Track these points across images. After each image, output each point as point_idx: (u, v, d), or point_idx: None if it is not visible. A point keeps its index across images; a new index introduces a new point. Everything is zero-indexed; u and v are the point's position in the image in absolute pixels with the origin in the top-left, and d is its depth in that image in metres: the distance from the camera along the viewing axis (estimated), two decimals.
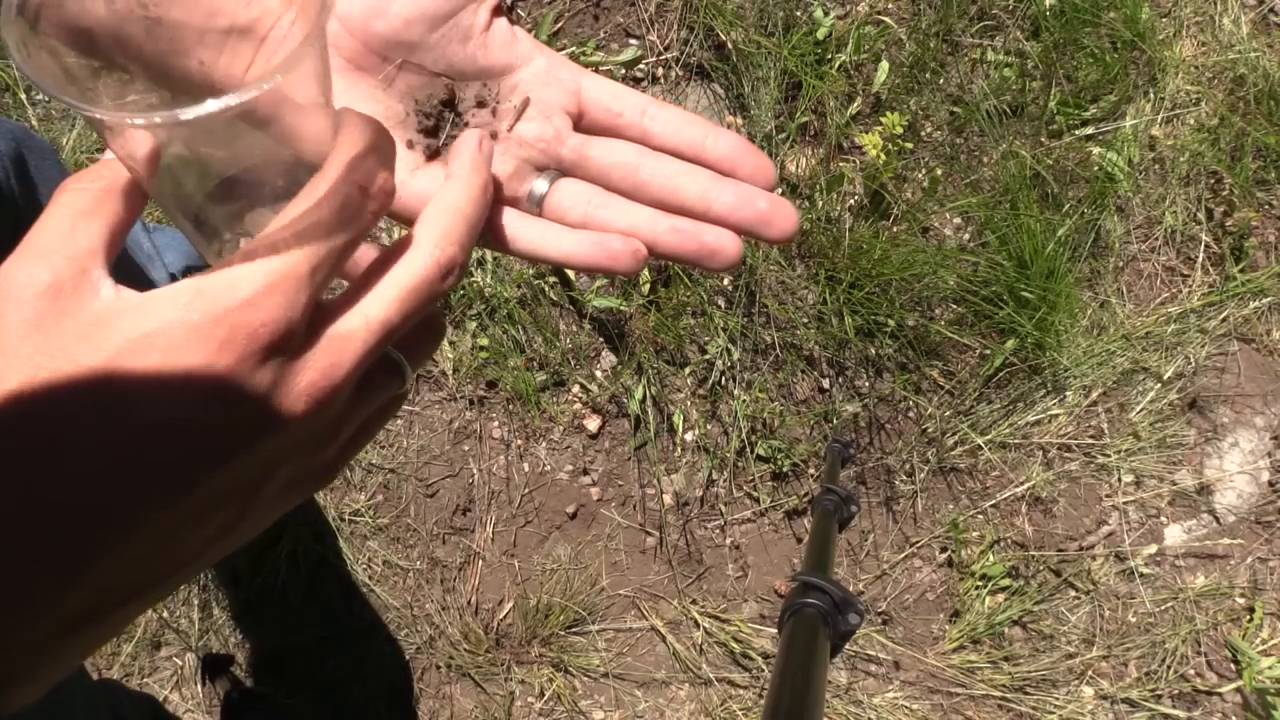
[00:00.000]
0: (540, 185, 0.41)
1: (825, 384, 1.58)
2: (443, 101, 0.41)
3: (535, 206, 0.41)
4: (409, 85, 0.41)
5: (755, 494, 1.57)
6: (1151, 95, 1.67)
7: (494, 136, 0.41)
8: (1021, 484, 1.61)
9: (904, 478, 1.60)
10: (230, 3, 0.35)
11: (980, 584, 1.58)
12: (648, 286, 1.51)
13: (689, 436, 1.56)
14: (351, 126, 0.32)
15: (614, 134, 0.42)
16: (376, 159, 0.32)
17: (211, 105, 0.28)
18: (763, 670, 1.53)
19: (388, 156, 0.32)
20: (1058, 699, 1.56)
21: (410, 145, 0.41)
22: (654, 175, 0.40)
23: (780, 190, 1.55)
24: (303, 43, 0.30)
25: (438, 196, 0.36)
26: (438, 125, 0.41)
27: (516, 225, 0.40)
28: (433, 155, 0.41)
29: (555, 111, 0.42)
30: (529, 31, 1.50)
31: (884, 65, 1.56)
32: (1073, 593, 1.61)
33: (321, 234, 0.30)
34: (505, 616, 1.51)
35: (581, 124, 0.42)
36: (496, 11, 0.41)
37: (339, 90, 0.39)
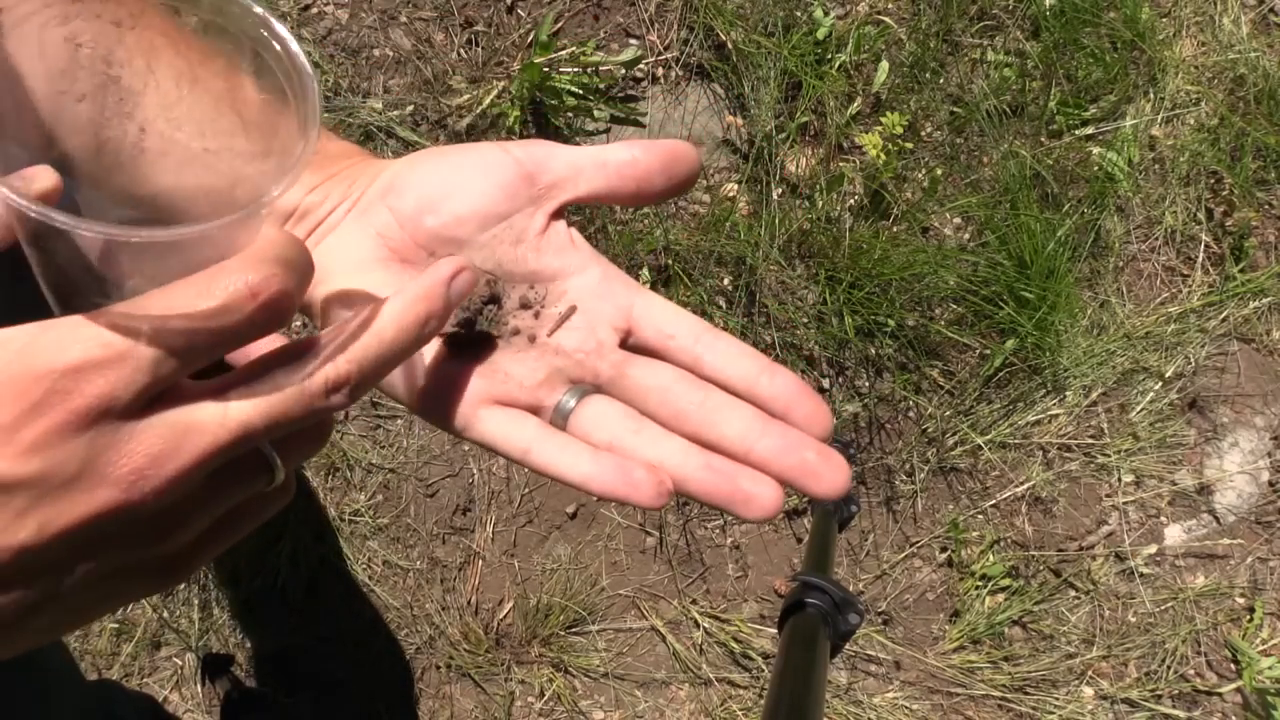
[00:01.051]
0: (569, 400, 0.39)
1: (825, 384, 1.58)
2: (483, 299, 0.39)
3: (561, 420, 0.39)
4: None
5: None
6: (1151, 95, 1.67)
7: (532, 340, 0.39)
8: (1021, 484, 1.61)
9: (904, 478, 1.60)
10: (236, 163, 0.34)
11: (980, 584, 1.58)
12: (648, 286, 1.51)
13: None
14: (271, 235, 0.30)
15: (664, 355, 0.40)
16: (282, 269, 0.29)
17: (145, 234, 0.26)
18: (763, 670, 1.53)
19: (297, 273, 0.30)
20: (1058, 699, 1.56)
21: (445, 339, 0.39)
22: (694, 405, 0.38)
23: (780, 192, 1.55)
24: (264, 199, 0.29)
25: (371, 308, 0.33)
26: (473, 320, 0.39)
27: (535, 437, 0.37)
28: (459, 347, 0.39)
29: (602, 324, 0.39)
30: (528, 45, 1.50)
31: (884, 65, 1.56)
32: (1073, 593, 1.61)
33: (188, 321, 0.27)
34: (505, 616, 1.51)
35: (629, 342, 0.40)
36: (556, 216, 0.40)
37: (380, 284, 0.38)
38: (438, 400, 0.38)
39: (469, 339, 0.39)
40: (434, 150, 0.40)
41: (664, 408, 0.38)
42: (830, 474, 0.36)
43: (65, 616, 0.29)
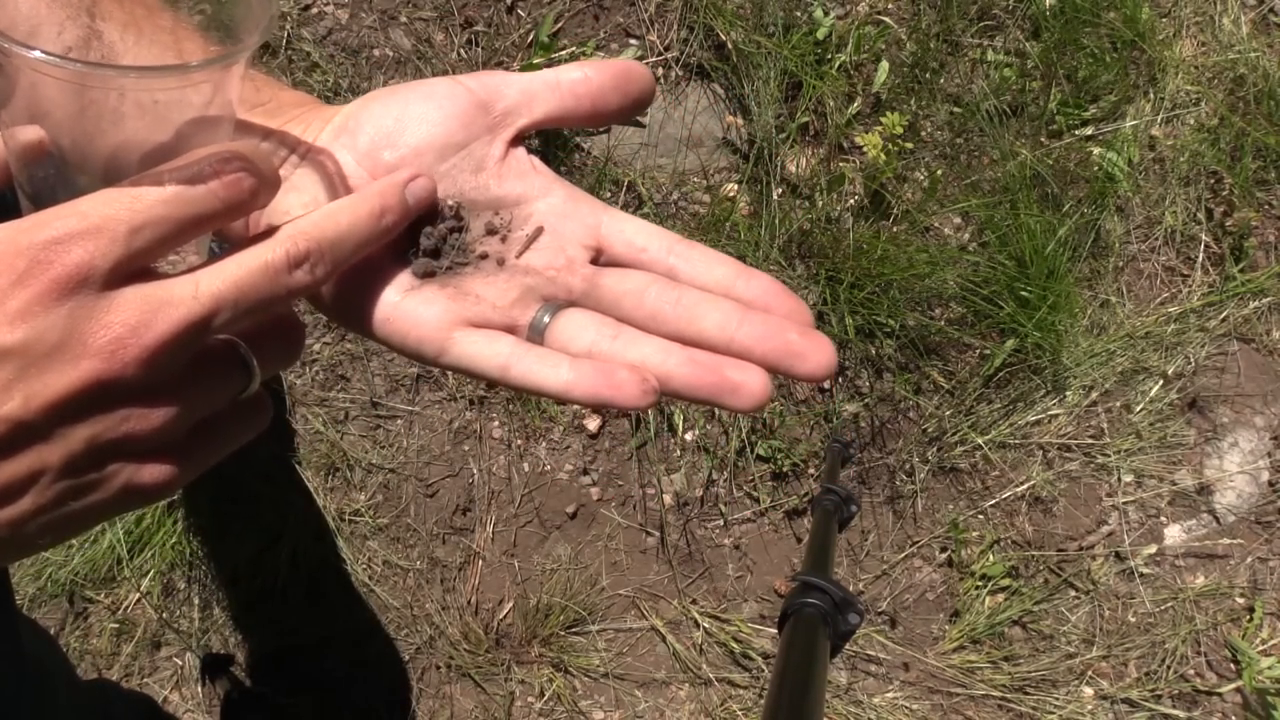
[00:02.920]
0: (543, 316, 0.38)
1: (825, 384, 1.58)
2: (449, 228, 0.39)
3: (537, 336, 0.38)
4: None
5: (755, 494, 1.57)
6: (1151, 95, 1.67)
7: (501, 263, 0.39)
8: (1021, 484, 1.61)
9: (904, 478, 1.60)
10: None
11: (980, 584, 1.58)
12: None
13: (689, 436, 1.56)
14: (238, 142, 0.32)
15: (637, 268, 0.39)
16: (247, 159, 0.31)
17: (123, 71, 0.28)
18: (763, 670, 1.53)
19: (262, 167, 0.32)
20: (1058, 699, 1.56)
21: (411, 268, 0.39)
22: (670, 304, 0.37)
23: (780, 192, 1.55)
24: (243, 45, 0.31)
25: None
26: (438, 248, 0.39)
27: (512, 353, 0.37)
28: (427, 275, 0.39)
29: (570, 243, 0.39)
30: (529, 45, 1.50)
31: (884, 65, 1.56)
32: (1073, 593, 1.61)
33: (160, 197, 0.29)
34: (505, 616, 1.51)
35: (600, 260, 0.40)
36: (515, 142, 0.40)
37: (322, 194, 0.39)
38: (410, 329, 0.38)
39: (435, 266, 0.39)
40: (385, 89, 0.40)
41: (639, 310, 0.38)
42: (816, 353, 0.35)
43: (58, 507, 0.29)
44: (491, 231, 0.40)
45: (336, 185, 0.39)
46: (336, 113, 0.40)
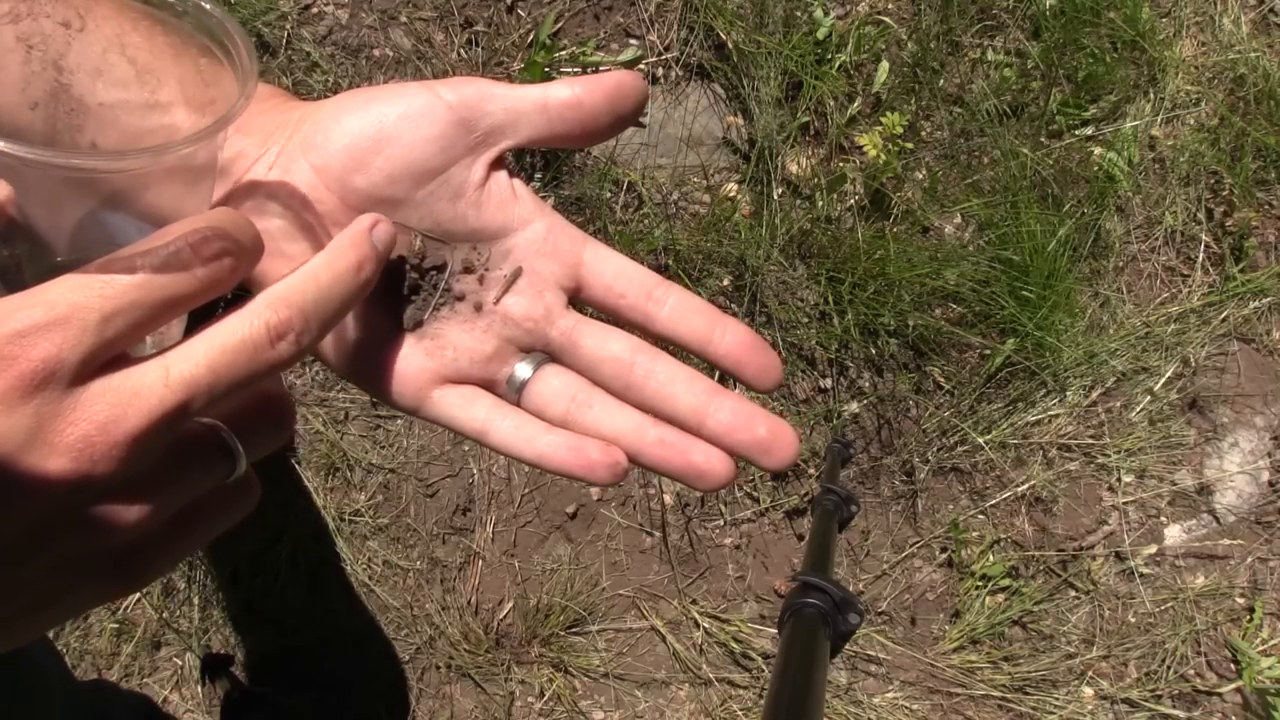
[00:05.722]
0: (523, 370, 0.38)
1: (825, 384, 1.58)
2: (425, 264, 0.38)
3: (514, 393, 0.38)
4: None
5: (755, 494, 1.57)
6: (1151, 95, 1.67)
7: (478, 308, 0.38)
8: (1021, 484, 1.61)
9: (904, 478, 1.60)
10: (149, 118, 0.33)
11: (980, 584, 1.58)
12: None
13: None
14: (217, 209, 0.30)
15: (614, 314, 0.39)
16: (226, 234, 0.29)
17: (87, 157, 0.26)
18: (763, 670, 1.53)
19: (242, 239, 0.30)
20: (1058, 699, 1.56)
21: (404, 320, 0.38)
22: (648, 378, 0.38)
23: (781, 192, 1.55)
24: (214, 124, 0.29)
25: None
26: (417, 289, 0.38)
27: (488, 418, 0.37)
28: (414, 326, 0.38)
29: (549, 286, 0.39)
30: (529, 45, 1.50)
31: (884, 65, 1.56)
32: (1073, 593, 1.61)
33: (133, 281, 0.27)
34: (505, 616, 1.51)
35: (580, 298, 0.39)
36: (495, 165, 0.38)
37: (305, 250, 0.37)
38: (387, 381, 0.37)
39: (421, 315, 0.38)
40: (358, 95, 0.37)
41: (616, 380, 0.38)
42: (781, 448, 0.37)
43: (25, 615, 0.28)
44: (469, 270, 0.38)
45: (316, 232, 0.36)
46: (303, 120, 0.37)
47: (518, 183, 0.39)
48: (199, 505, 0.31)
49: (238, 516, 0.33)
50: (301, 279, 0.31)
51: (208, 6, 0.32)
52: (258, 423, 0.32)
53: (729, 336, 0.38)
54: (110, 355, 0.27)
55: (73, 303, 0.26)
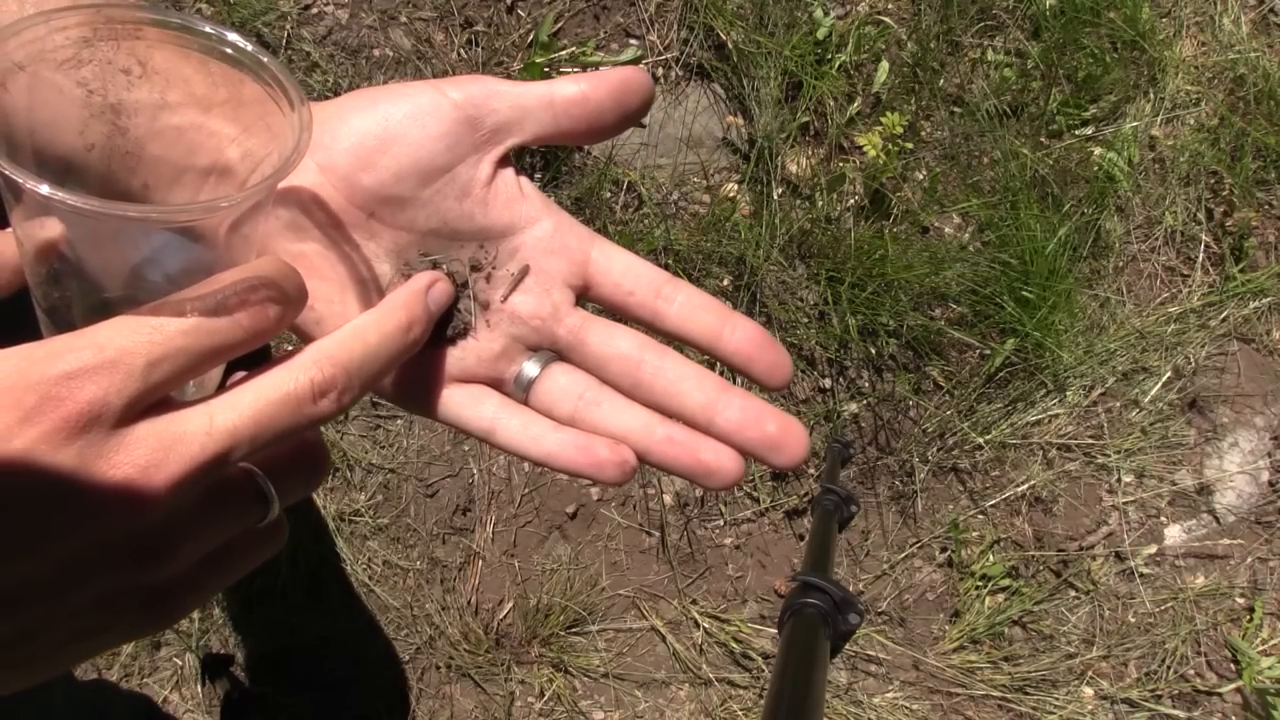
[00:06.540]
0: (530, 369, 0.38)
1: (826, 384, 1.58)
2: (434, 264, 0.38)
3: (521, 392, 0.38)
4: (396, 244, 0.37)
5: (755, 494, 1.57)
6: (1151, 95, 1.67)
7: (486, 307, 0.38)
8: (1021, 484, 1.61)
9: (904, 478, 1.60)
10: (211, 141, 0.34)
11: (980, 584, 1.58)
12: None
13: None
14: (264, 258, 0.30)
15: (623, 312, 0.39)
16: (274, 283, 0.29)
17: (143, 211, 0.27)
18: (763, 670, 1.53)
19: (288, 289, 0.30)
20: (1058, 699, 1.56)
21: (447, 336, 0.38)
22: (656, 376, 0.37)
23: (781, 192, 1.55)
24: (267, 179, 0.29)
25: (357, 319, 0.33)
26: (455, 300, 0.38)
27: (496, 416, 0.37)
28: (459, 335, 0.38)
29: (556, 283, 0.38)
30: (529, 45, 1.50)
31: (884, 65, 1.56)
32: (1073, 593, 1.61)
33: (180, 328, 0.27)
34: (505, 616, 1.51)
35: (588, 295, 0.39)
36: (502, 163, 0.38)
37: (315, 250, 0.37)
38: (394, 381, 0.38)
39: (463, 326, 0.38)
40: (363, 95, 0.37)
41: (625, 377, 0.38)
42: (791, 445, 0.36)
43: (45, 651, 0.28)
44: (476, 268, 0.38)
45: (325, 230, 0.36)
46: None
47: (524, 180, 0.39)
48: (229, 546, 0.32)
49: (266, 557, 0.34)
50: (350, 337, 0.32)
51: (265, 60, 0.32)
52: (293, 469, 0.32)
53: (739, 333, 0.38)
54: (155, 399, 0.27)
55: (121, 346, 0.26)
